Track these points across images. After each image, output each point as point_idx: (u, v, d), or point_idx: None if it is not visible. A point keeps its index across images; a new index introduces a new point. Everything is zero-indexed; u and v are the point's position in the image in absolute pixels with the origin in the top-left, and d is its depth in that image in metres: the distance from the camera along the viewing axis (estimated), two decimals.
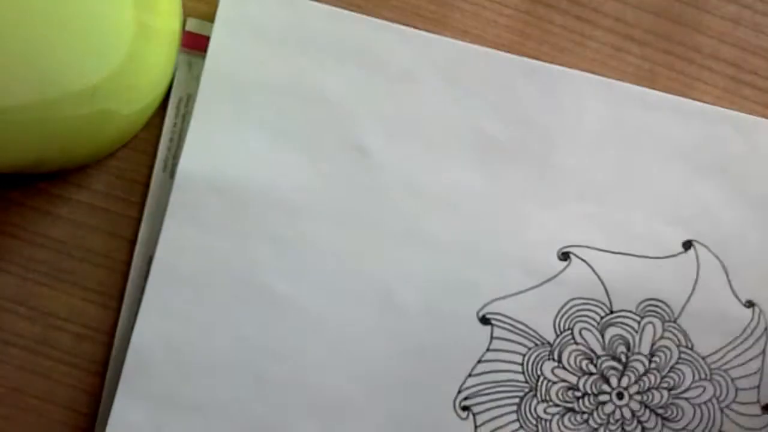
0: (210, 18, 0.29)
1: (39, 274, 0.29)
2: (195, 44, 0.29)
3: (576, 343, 0.29)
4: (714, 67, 0.30)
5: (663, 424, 0.29)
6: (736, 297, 0.29)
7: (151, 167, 0.29)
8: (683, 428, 0.29)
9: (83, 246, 0.29)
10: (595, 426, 0.29)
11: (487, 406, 0.28)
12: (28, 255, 0.29)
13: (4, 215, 0.29)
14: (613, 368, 0.29)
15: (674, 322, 0.29)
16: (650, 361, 0.29)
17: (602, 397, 0.29)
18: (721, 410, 0.29)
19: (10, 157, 0.24)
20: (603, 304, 0.29)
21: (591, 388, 0.29)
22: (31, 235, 0.29)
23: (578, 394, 0.29)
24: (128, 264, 0.29)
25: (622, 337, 0.29)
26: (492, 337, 0.29)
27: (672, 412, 0.29)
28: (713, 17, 0.31)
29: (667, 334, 0.29)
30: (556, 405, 0.29)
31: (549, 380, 0.29)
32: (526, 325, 0.29)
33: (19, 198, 0.29)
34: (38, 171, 0.28)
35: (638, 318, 0.29)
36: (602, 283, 0.29)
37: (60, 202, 0.29)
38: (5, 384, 0.28)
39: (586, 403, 0.29)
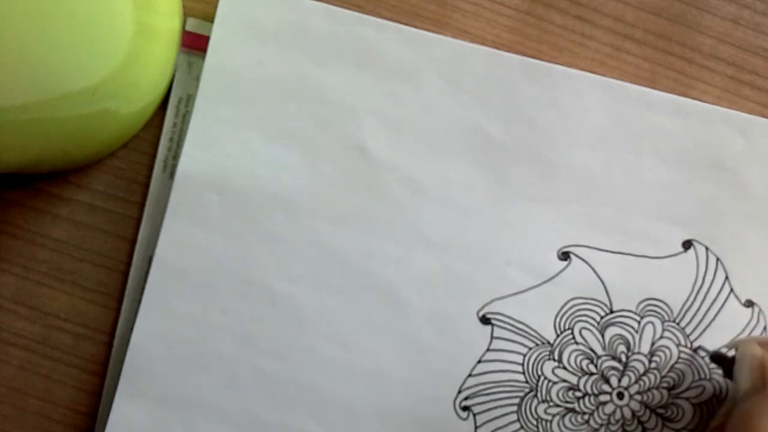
0: (210, 18, 0.29)
1: (39, 274, 0.29)
2: (195, 44, 0.29)
3: (576, 342, 0.29)
4: (714, 67, 0.30)
5: (663, 424, 0.29)
6: (736, 296, 0.29)
7: (151, 167, 0.29)
8: (683, 428, 0.29)
9: (83, 246, 0.29)
10: (596, 426, 0.29)
11: (488, 406, 0.28)
12: (28, 255, 0.29)
13: (4, 215, 0.29)
14: (614, 368, 0.29)
15: (674, 321, 0.29)
16: (650, 361, 0.29)
17: (603, 398, 0.29)
18: None
19: (10, 157, 0.24)
20: (603, 303, 0.29)
21: (591, 388, 0.29)
22: (31, 235, 0.29)
23: (579, 394, 0.29)
24: (128, 264, 0.29)
25: (622, 336, 0.29)
26: (492, 337, 0.29)
27: (672, 412, 0.29)
28: (713, 17, 0.31)
29: (666, 334, 0.29)
30: (557, 405, 0.29)
31: (549, 380, 0.29)
32: (527, 325, 0.29)
33: (19, 198, 0.29)
34: (38, 171, 0.28)
35: (638, 318, 0.29)
36: (602, 282, 0.29)
37: (60, 202, 0.29)
38: (5, 384, 0.28)
39: (587, 403, 0.29)
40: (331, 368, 0.28)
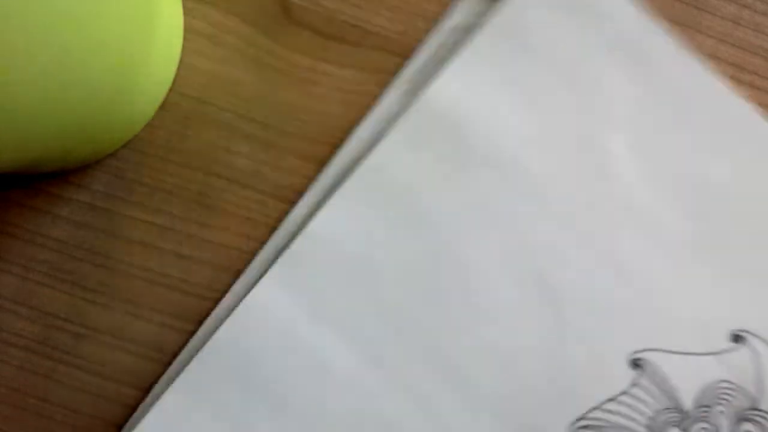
0: None
1: (39, 274, 0.29)
2: None
3: (708, 422, 0.28)
4: (714, 67, 0.30)
5: None
6: None
7: (151, 167, 0.29)
8: None
9: (83, 246, 0.29)
10: None
11: None
12: (28, 255, 0.29)
13: (4, 215, 0.29)
14: None
15: None
16: None
17: None
18: None
19: (10, 157, 0.24)
20: (752, 397, 0.28)
21: None
22: (31, 235, 0.29)
23: None
24: (128, 264, 0.29)
25: None
26: (634, 383, 0.28)
27: None
28: (713, 17, 0.31)
29: None
30: None
31: None
32: (672, 385, 0.28)
33: (19, 198, 0.29)
34: (38, 171, 0.28)
35: None
36: (762, 378, 0.28)
37: (60, 202, 0.29)
38: (5, 384, 0.28)
39: None
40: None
